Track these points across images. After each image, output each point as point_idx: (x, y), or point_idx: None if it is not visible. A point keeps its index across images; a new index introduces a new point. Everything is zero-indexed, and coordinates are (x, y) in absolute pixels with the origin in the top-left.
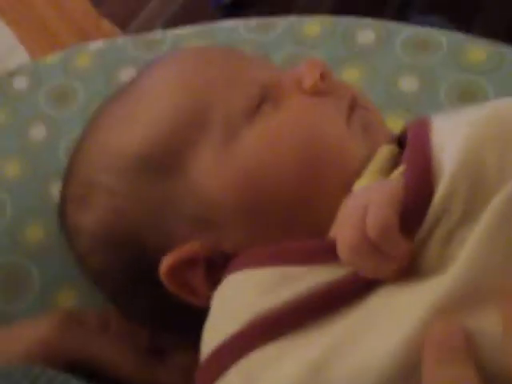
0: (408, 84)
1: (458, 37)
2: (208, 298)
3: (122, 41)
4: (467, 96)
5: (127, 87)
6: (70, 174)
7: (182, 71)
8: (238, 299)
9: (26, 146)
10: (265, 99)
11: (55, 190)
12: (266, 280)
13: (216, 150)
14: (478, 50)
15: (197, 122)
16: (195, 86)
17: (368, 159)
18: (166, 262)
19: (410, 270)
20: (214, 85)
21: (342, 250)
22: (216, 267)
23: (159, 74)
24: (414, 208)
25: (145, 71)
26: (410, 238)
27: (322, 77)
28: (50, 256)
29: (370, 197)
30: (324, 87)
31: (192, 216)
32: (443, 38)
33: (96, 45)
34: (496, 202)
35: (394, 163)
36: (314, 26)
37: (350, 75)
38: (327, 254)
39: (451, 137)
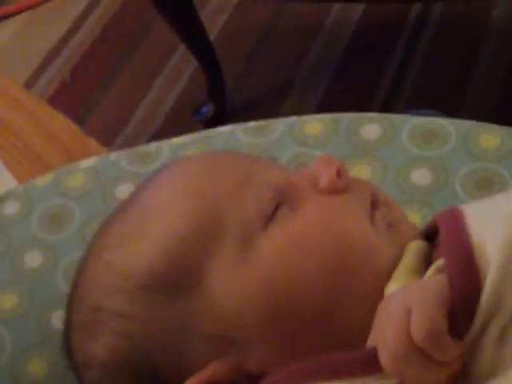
0: (420, 177)
1: (467, 124)
2: None
3: (115, 156)
4: (484, 184)
5: (128, 202)
6: (73, 301)
7: (188, 179)
8: None
9: (21, 274)
10: (280, 202)
11: (56, 319)
12: None
13: (232, 261)
14: (490, 135)
15: (209, 232)
16: (204, 194)
17: (397, 258)
18: None
19: (463, 376)
20: (224, 191)
21: (386, 358)
22: None
23: (163, 184)
24: (462, 306)
25: (146, 183)
26: (460, 339)
27: (339, 174)
28: None
29: (412, 298)
30: (342, 185)
31: (211, 336)
32: (451, 126)
33: (87, 162)
34: None
35: (426, 261)
36: (315, 124)
37: (358, 172)
38: (368, 365)
39: (489, 226)
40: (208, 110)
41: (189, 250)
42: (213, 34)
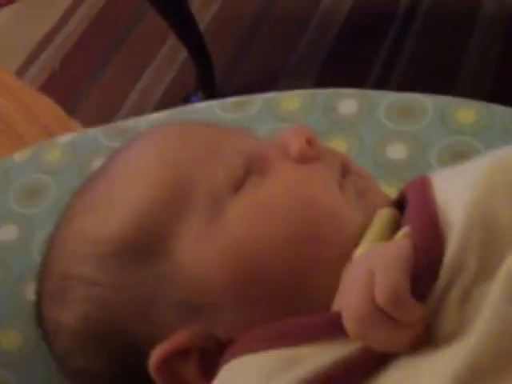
0: (396, 152)
1: (443, 99)
2: None
3: (93, 132)
4: (460, 158)
5: (100, 171)
6: (44, 270)
7: (158, 147)
8: None
9: None
10: (250, 170)
11: (31, 291)
12: (269, 366)
13: (201, 227)
14: (466, 110)
15: (179, 199)
16: (174, 161)
17: (366, 225)
18: (155, 355)
19: (426, 338)
20: (194, 158)
21: (350, 321)
22: (211, 356)
23: (133, 152)
24: (424, 269)
25: (117, 152)
26: (423, 301)
27: (309, 142)
28: (30, 365)
29: (376, 260)
30: (312, 153)
31: (180, 301)
32: (428, 101)
33: (65, 138)
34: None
35: (395, 227)
36: (292, 99)
37: (335, 147)
38: (333, 328)
39: (455, 191)
40: (198, 99)
41: (158, 216)
42: (203, 23)
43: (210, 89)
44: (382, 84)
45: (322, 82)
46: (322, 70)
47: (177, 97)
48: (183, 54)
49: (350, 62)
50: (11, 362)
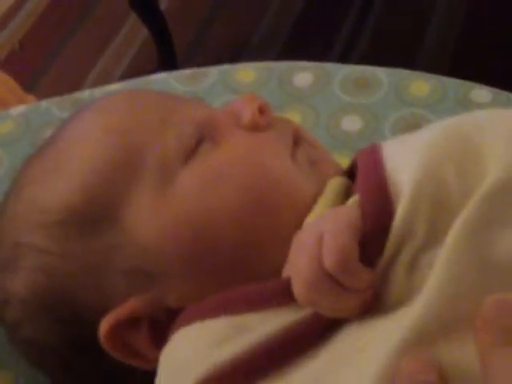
0: (350, 124)
1: (398, 72)
2: (156, 360)
3: (46, 103)
4: (414, 130)
5: (49, 140)
6: None
7: (107, 114)
8: (188, 356)
9: None
10: (202, 138)
11: None
12: (218, 332)
13: (151, 196)
14: (420, 83)
15: (128, 166)
16: (123, 128)
17: (318, 194)
18: (104, 324)
19: (375, 304)
20: (144, 126)
21: (298, 287)
22: (162, 325)
23: (81, 121)
24: (373, 234)
25: (66, 121)
26: (372, 267)
27: (261, 111)
28: None
29: (324, 225)
30: (264, 122)
31: (130, 270)
32: (382, 74)
33: (18, 110)
34: (461, 221)
35: (346, 196)
36: (248, 72)
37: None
38: (281, 295)
39: (404, 159)
40: None
41: (106, 185)
42: (163, 2)
43: (171, 68)
44: (344, 59)
45: (285, 59)
46: (284, 48)
47: (138, 75)
48: (144, 33)
49: (311, 39)
50: None
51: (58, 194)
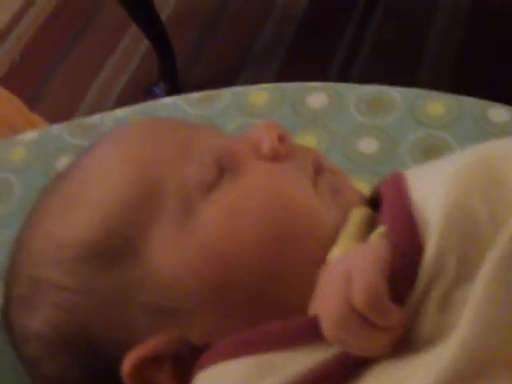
0: (367, 146)
1: (412, 91)
2: None
3: (57, 128)
4: (431, 151)
5: (66, 172)
6: (12, 274)
7: (126, 146)
8: None
9: None
10: (222, 169)
11: None
12: (243, 374)
13: (173, 229)
14: (435, 102)
15: (148, 199)
16: (142, 160)
17: (341, 224)
18: (127, 362)
19: (405, 341)
20: (163, 157)
21: (327, 326)
22: (185, 362)
23: (100, 152)
24: (403, 271)
25: (84, 152)
26: (402, 304)
27: (281, 139)
28: None
29: (353, 263)
30: (284, 151)
31: (152, 306)
32: (396, 94)
33: (29, 135)
34: (493, 259)
35: (370, 227)
36: (260, 94)
37: (305, 142)
38: (309, 333)
39: (431, 189)
40: (160, 89)
41: (126, 218)
42: (164, 13)
43: (172, 79)
44: (344, 74)
45: (285, 70)
46: (285, 58)
47: (139, 87)
48: (145, 44)
49: (312, 51)
50: None
51: (78, 229)
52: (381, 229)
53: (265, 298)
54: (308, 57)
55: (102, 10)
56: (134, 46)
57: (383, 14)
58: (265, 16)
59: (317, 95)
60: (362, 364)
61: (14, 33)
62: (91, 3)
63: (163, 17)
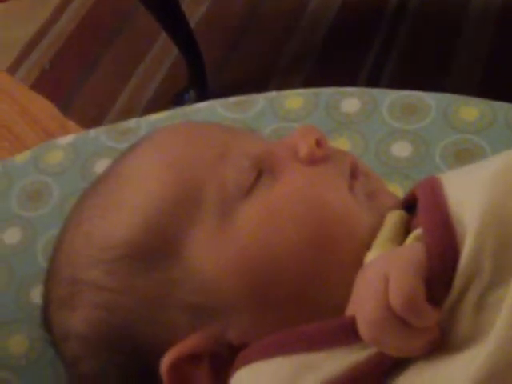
0: (401, 150)
1: (446, 97)
2: None
3: (94, 132)
4: (464, 156)
5: (106, 174)
6: (52, 274)
7: (166, 149)
8: None
9: (0, 250)
10: (260, 172)
11: (36, 295)
12: (281, 373)
13: (212, 231)
14: (469, 108)
15: (188, 201)
16: (182, 163)
17: (377, 228)
18: (166, 360)
19: (441, 343)
20: (202, 160)
21: (364, 326)
22: (223, 361)
23: (140, 155)
24: (439, 273)
25: (123, 155)
26: (439, 306)
27: (318, 144)
28: (36, 370)
29: (390, 265)
30: (321, 155)
31: (191, 306)
32: (430, 99)
33: (66, 139)
34: None
35: (406, 230)
36: (295, 98)
37: (339, 146)
38: (346, 334)
39: (467, 193)
40: (189, 97)
41: (167, 220)
42: (193, 21)
43: (202, 87)
44: (372, 81)
45: (313, 79)
46: (313, 68)
47: (168, 94)
48: (174, 51)
49: (340, 60)
50: (18, 367)
51: (119, 230)
52: (417, 231)
53: (302, 298)
54: (336, 66)
55: (132, 18)
56: (163, 53)
57: (411, 23)
58: (293, 24)
59: (351, 100)
60: (397, 365)
61: (45, 40)
62: (121, 11)
63: (192, 24)
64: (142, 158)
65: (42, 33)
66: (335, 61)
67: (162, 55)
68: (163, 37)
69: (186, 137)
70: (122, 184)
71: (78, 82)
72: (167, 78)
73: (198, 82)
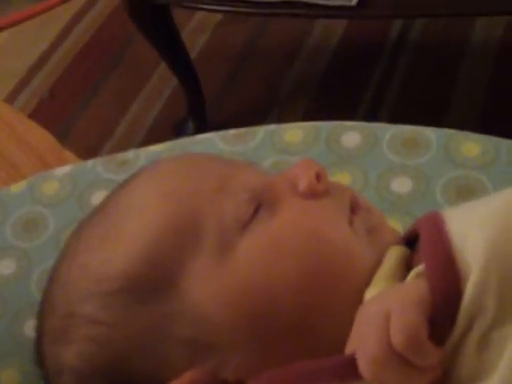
0: (401, 185)
1: (447, 132)
2: None
3: (91, 163)
4: (466, 192)
5: (103, 205)
6: (45, 307)
7: (165, 180)
8: None
9: None
10: (259, 205)
11: (29, 328)
12: None
13: (210, 264)
14: (471, 143)
15: (187, 233)
16: (181, 195)
17: (377, 263)
18: None
19: (443, 382)
20: (201, 192)
21: (364, 363)
22: None
23: (138, 186)
24: (443, 310)
25: (121, 186)
26: (441, 344)
27: (318, 177)
28: None
29: (392, 301)
30: (321, 189)
31: (187, 340)
32: (431, 134)
33: (63, 170)
34: None
35: (407, 266)
36: (295, 132)
37: (340, 180)
38: (346, 372)
39: (469, 230)
40: (188, 127)
41: (164, 253)
42: (193, 52)
43: (201, 117)
44: (372, 114)
45: (312, 111)
46: (312, 99)
47: (167, 124)
48: (173, 81)
49: (339, 92)
50: None
51: (115, 263)
52: (419, 268)
53: (300, 333)
54: (336, 97)
55: (131, 48)
56: (162, 83)
57: (411, 55)
58: (294, 56)
59: (351, 134)
60: None
61: (44, 69)
62: (120, 41)
63: (192, 55)
64: (140, 189)
65: (41, 62)
66: (335, 92)
67: (161, 85)
68: (162, 66)
69: (185, 168)
70: (120, 215)
71: (77, 110)
72: (166, 108)
73: (196, 112)
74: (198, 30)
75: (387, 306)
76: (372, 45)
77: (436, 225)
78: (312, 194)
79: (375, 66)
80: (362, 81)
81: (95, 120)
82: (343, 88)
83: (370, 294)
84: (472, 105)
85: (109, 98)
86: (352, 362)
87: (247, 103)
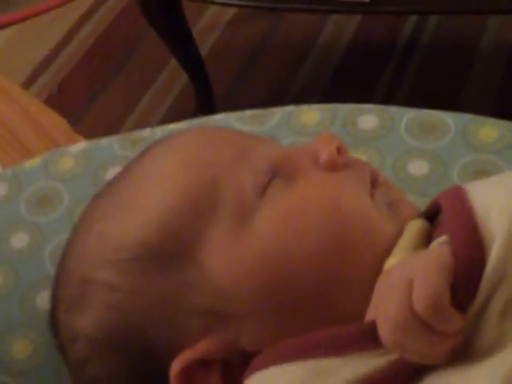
0: (418, 168)
1: (464, 116)
2: None
3: (107, 141)
4: (482, 176)
5: (122, 174)
6: (62, 273)
7: (183, 149)
8: None
9: (6, 255)
10: (276, 175)
11: (42, 301)
12: (297, 378)
13: (228, 233)
14: (489, 127)
15: (205, 202)
16: (200, 165)
17: (398, 235)
18: (177, 365)
19: (465, 349)
20: (220, 163)
21: (386, 330)
22: (234, 368)
23: (157, 156)
24: (466, 277)
25: (138, 157)
26: (463, 311)
27: (339, 151)
28: (40, 374)
29: (414, 268)
30: (342, 162)
31: (205, 309)
32: (449, 118)
33: (78, 146)
34: None
35: (426, 239)
36: (312, 114)
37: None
38: (365, 339)
39: (494, 200)
40: None
41: (183, 221)
42: (204, 49)
43: (210, 114)
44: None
45: None
46: (323, 98)
47: (177, 120)
48: (183, 78)
49: (350, 91)
50: (21, 371)
51: (133, 230)
52: (440, 239)
53: (319, 304)
54: (346, 97)
55: (141, 45)
56: (172, 80)
57: (423, 55)
58: (304, 55)
59: (368, 117)
60: (418, 372)
61: (53, 65)
62: (131, 36)
63: (202, 52)
64: (158, 159)
65: (50, 57)
66: (347, 90)
67: (170, 82)
68: (172, 64)
69: (204, 139)
70: (138, 183)
71: (85, 106)
72: (175, 106)
73: (205, 110)
74: (208, 27)
75: (410, 271)
76: (384, 44)
77: (459, 196)
78: (333, 167)
79: (387, 64)
80: (374, 79)
81: (104, 115)
82: (355, 86)
83: (389, 264)
84: (483, 105)
85: (118, 94)
86: (372, 329)
87: (257, 101)
